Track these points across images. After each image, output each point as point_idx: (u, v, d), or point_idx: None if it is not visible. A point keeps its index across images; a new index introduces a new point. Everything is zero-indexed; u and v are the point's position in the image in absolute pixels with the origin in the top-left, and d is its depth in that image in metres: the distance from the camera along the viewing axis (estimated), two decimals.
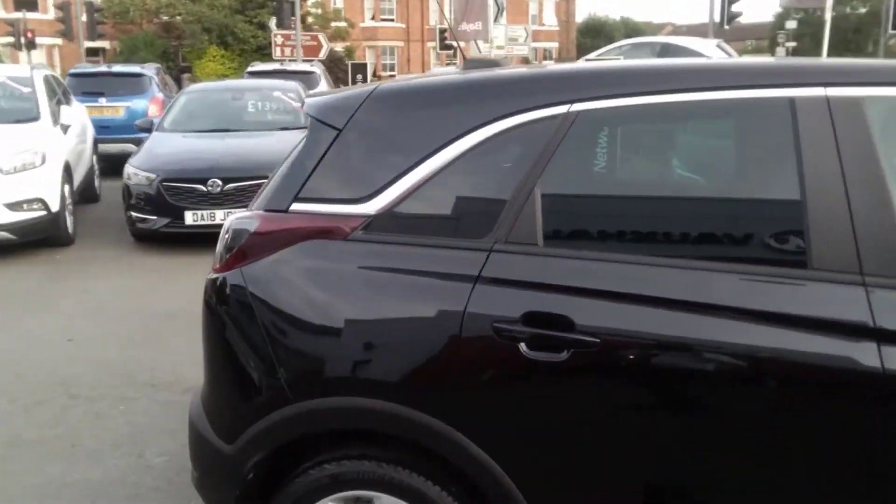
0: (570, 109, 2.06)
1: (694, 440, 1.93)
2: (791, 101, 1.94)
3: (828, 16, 16.43)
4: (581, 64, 2.73)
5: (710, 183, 2.17)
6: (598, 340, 1.91)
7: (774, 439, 1.87)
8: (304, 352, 2.19)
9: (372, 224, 2.13)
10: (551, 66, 2.75)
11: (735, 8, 17.86)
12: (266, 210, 2.28)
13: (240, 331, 2.27)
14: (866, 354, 1.79)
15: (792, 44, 51.38)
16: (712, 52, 14.15)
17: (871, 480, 1.83)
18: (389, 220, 2.13)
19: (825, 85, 1.95)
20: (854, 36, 52.39)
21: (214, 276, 2.33)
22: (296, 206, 2.22)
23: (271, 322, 2.20)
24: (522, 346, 1.96)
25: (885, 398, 1.79)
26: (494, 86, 2.28)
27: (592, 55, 16.20)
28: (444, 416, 2.04)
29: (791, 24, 52.22)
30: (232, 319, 2.29)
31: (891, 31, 21.33)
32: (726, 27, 17.84)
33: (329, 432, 2.20)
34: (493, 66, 2.68)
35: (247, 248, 2.24)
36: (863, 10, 52.11)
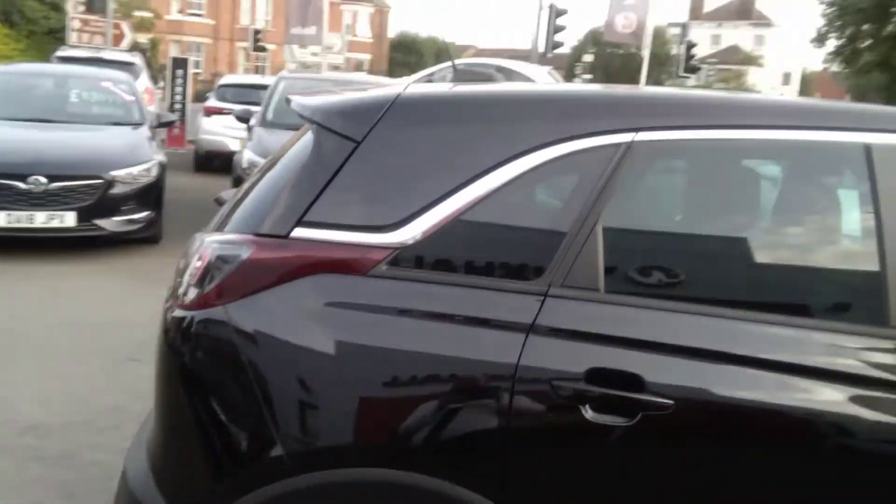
0: (635, 139, 1.83)
1: None
2: (867, 147, 1.84)
3: (645, 53, 17.57)
4: (645, 88, 2.51)
5: (793, 228, 2.02)
6: (672, 402, 1.69)
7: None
8: (311, 412, 1.79)
9: (399, 257, 1.79)
10: (609, 87, 2.51)
11: (557, 38, 18.67)
12: (257, 235, 1.84)
13: (220, 384, 1.83)
14: None
15: (588, 76, 55.08)
16: (544, 78, 14.62)
17: None
18: (421, 254, 1.79)
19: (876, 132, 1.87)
20: (625, 74, 57.03)
21: (183, 314, 1.85)
22: (300, 232, 1.82)
23: (267, 375, 1.78)
24: (587, 409, 1.70)
25: None
26: (550, 104, 2.01)
27: (422, 73, 16.16)
28: (490, 491, 1.73)
29: (588, 58, 55.98)
30: (209, 370, 1.83)
31: (681, 74, 23.29)
32: (549, 55, 18.57)
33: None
34: (488, 79, 2.40)
35: (234, 282, 1.80)
36: (634, 50, 57.15)
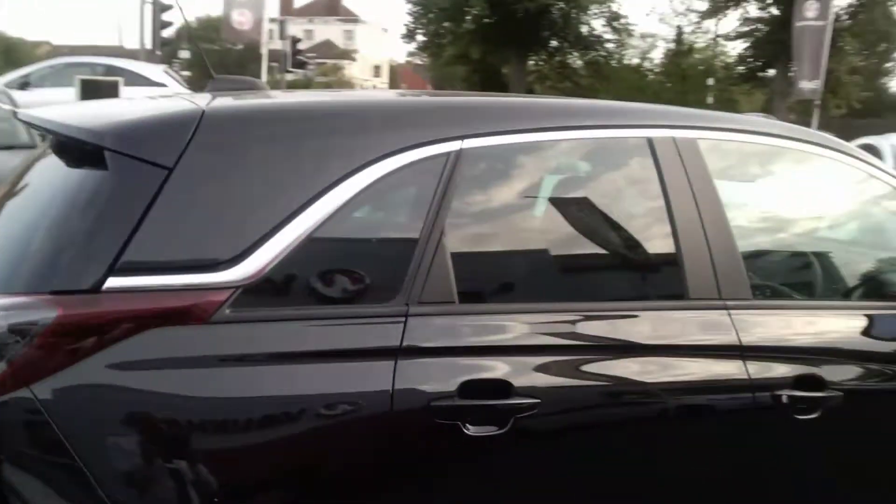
0: (463, 147, 1.83)
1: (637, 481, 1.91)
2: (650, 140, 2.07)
3: (264, 50, 17.49)
4: (465, 95, 2.43)
5: (608, 226, 2.15)
6: (538, 401, 1.75)
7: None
8: (163, 493, 1.50)
9: (242, 297, 1.57)
10: (430, 94, 2.39)
11: (165, 34, 17.74)
12: (56, 293, 1.48)
13: (40, 484, 1.44)
14: (734, 369, 2.01)
15: (186, 73, 53.18)
16: (160, 77, 13.81)
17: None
18: (266, 290, 1.60)
19: (672, 128, 2.12)
20: (238, 70, 56.61)
21: None
22: (115, 282, 1.50)
23: (102, 463, 1.45)
24: (466, 425, 1.68)
25: (751, 401, 2.03)
26: (375, 116, 1.89)
27: (16, 74, 14.23)
28: None
29: (185, 54, 54.06)
30: (23, 470, 1.43)
31: (289, 69, 23.70)
32: (158, 52, 17.56)
33: None
34: (251, 87, 2.21)
35: (38, 356, 1.43)
36: (241, 47, 57.05)
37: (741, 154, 2.28)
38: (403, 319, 1.68)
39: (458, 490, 1.72)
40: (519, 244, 2.01)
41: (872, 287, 2.46)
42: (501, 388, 1.72)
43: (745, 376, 2.01)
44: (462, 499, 1.73)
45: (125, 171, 1.57)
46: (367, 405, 1.62)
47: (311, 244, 1.64)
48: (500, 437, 1.70)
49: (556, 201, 2.05)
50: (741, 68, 31.69)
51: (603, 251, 2.13)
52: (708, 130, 2.18)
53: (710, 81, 31.30)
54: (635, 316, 1.95)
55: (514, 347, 1.78)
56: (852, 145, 2.53)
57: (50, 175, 1.75)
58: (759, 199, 2.37)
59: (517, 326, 1.81)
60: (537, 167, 2.03)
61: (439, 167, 1.78)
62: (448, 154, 1.80)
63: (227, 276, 1.56)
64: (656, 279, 2.10)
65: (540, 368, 1.78)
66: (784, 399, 2.04)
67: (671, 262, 2.01)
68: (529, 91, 31.45)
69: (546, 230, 2.06)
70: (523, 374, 1.75)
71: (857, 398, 2.15)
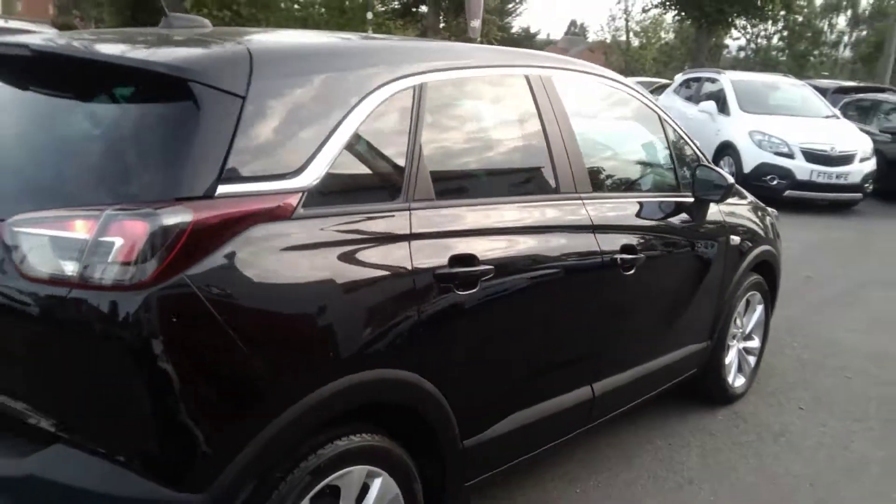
0: (426, 81, 2.41)
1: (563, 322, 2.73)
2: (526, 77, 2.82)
3: None
4: (418, 40, 2.83)
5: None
6: (491, 267, 2.45)
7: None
8: (292, 347, 1.97)
9: (307, 198, 2.04)
10: (397, 39, 2.76)
11: None
12: (178, 199, 1.82)
13: (199, 350, 1.81)
14: (590, 241, 2.89)
15: None
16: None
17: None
18: (322, 192, 2.07)
19: (528, 67, 2.88)
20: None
21: (138, 293, 1.73)
22: (223, 189, 1.88)
23: (245, 327, 1.87)
24: (456, 287, 2.34)
25: (600, 262, 2.92)
26: (376, 54, 2.37)
27: None
28: (412, 367, 2.23)
29: None
30: (184, 339, 1.79)
31: None
32: None
33: (322, 421, 2.03)
34: (200, 25, 2.53)
35: (186, 250, 1.78)
36: None
37: (573, 85, 3.12)
38: (408, 212, 2.25)
39: (456, 333, 2.36)
40: (469, 155, 2.65)
41: (646, 184, 3.51)
42: (470, 260, 2.37)
43: (597, 246, 2.89)
44: (459, 339, 2.37)
45: (214, 101, 1.90)
46: (397, 276, 2.17)
47: (344, 156, 2.12)
48: (475, 294, 2.37)
49: (485, 122, 2.72)
50: (396, 4, 33.54)
51: (513, 162, 2.85)
52: (556, 70, 2.98)
53: (370, 16, 32.61)
54: (534, 205, 2.72)
55: (473, 230, 2.44)
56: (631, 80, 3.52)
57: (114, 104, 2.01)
58: (585, 120, 3.23)
59: (472, 216, 2.46)
60: (469, 96, 2.67)
61: (412, 96, 2.34)
62: (416, 86, 2.36)
63: (297, 182, 2.00)
64: (542, 180, 2.87)
65: (489, 244, 2.47)
66: (618, 260, 2.96)
67: (546, 167, 2.80)
68: None
69: (483, 144, 2.72)
70: (481, 249, 2.42)
71: (651, 258, 3.17)
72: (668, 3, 32.55)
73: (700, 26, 32.22)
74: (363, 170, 2.22)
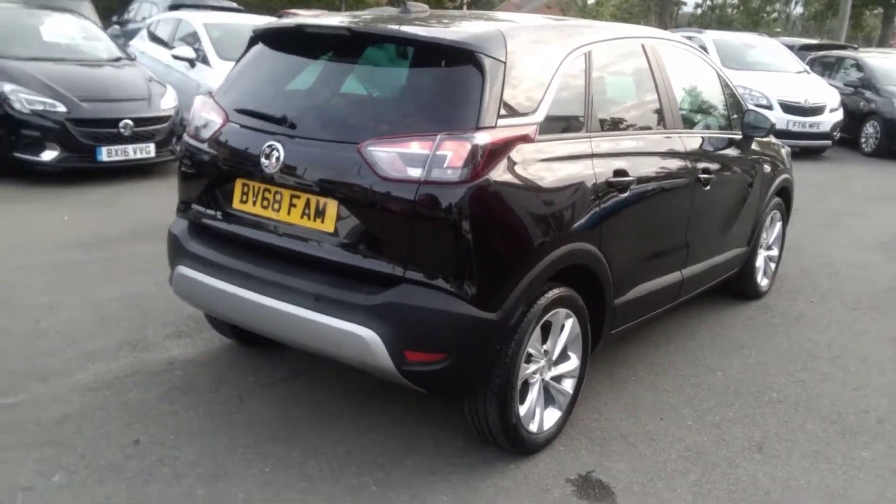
0: (591, 49, 3.47)
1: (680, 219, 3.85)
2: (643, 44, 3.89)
3: None
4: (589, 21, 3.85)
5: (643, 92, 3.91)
6: (636, 178, 3.54)
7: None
8: (544, 221, 3.03)
9: (539, 129, 3.08)
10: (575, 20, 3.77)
11: None
12: (479, 128, 2.86)
13: (496, 222, 2.87)
14: (686, 164, 4.00)
15: None
16: None
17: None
18: (545, 125, 3.12)
19: (641, 37, 3.95)
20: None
21: (461, 187, 2.76)
22: (501, 122, 2.92)
23: (522, 207, 2.93)
24: (618, 190, 3.42)
25: (692, 179, 4.04)
26: (563, 29, 3.42)
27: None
28: (593, 241, 3.32)
29: None
30: (490, 215, 2.83)
31: None
32: None
33: (549, 275, 3.10)
34: (423, 10, 3.54)
35: (488, 160, 2.82)
36: None
37: (665, 49, 4.19)
38: (589, 139, 3.32)
39: (615, 221, 3.42)
40: (615, 100, 3.71)
41: (711, 123, 4.61)
42: (624, 172, 3.46)
43: (688, 167, 4.00)
44: (616, 225, 3.44)
45: (491, 65, 2.92)
46: (587, 181, 3.24)
47: (555, 101, 3.17)
48: (627, 197, 3.46)
49: (624, 78, 3.78)
50: None
51: (641, 105, 3.93)
52: (655, 39, 4.06)
53: None
54: (654, 137, 3.81)
55: (624, 153, 3.52)
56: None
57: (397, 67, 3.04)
58: (674, 75, 4.30)
59: (622, 143, 3.54)
60: (613, 59, 3.72)
61: (583, 59, 3.40)
62: (586, 52, 3.42)
63: (533, 119, 3.05)
64: (657, 119, 3.94)
65: (633, 163, 3.55)
66: (700, 178, 4.08)
67: (658, 110, 3.89)
68: None
69: (623, 92, 3.79)
70: (629, 166, 3.50)
71: (717, 179, 4.29)
72: None
73: None
74: (563, 110, 3.26)
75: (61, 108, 7.16)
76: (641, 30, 4.13)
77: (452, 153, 2.76)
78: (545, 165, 3.07)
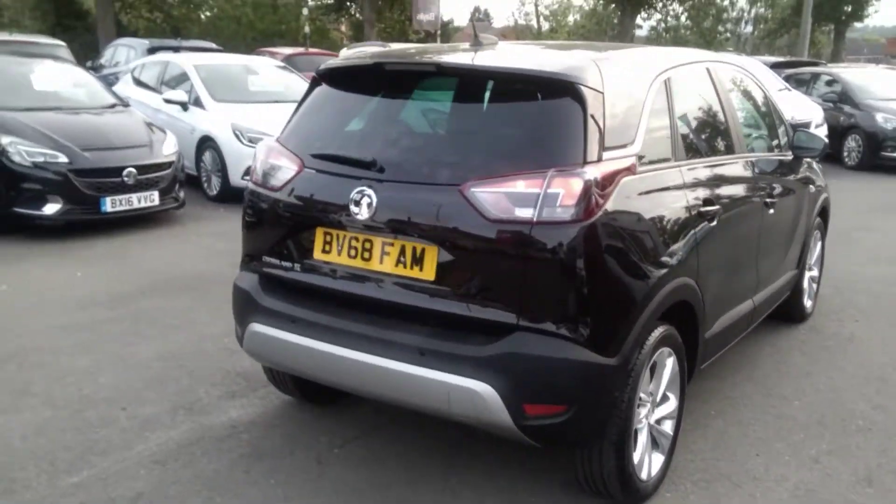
0: (670, 75, 3.36)
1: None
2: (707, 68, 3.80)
3: None
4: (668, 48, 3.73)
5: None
6: (721, 207, 3.43)
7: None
8: (654, 257, 2.90)
9: (638, 160, 2.95)
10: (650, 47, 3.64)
11: None
12: (587, 162, 2.72)
13: (613, 261, 2.71)
14: (755, 187, 3.91)
15: None
16: None
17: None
18: (641, 156, 2.98)
19: (706, 61, 3.86)
20: None
21: (576, 226, 2.60)
22: (605, 155, 2.79)
23: (634, 243, 2.80)
24: (707, 220, 3.30)
25: (761, 203, 3.95)
26: (645, 57, 3.31)
27: None
28: (692, 274, 3.18)
29: None
30: (606, 254, 2.68)
31: None
32: None
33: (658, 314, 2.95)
34: (493, 43, 3.40)
35: (599, 194, 2.68)
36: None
37: (725, 72, 4.11)
38: (679, 168, 3.20)
39: (706, 252, 3.28)
40: (695, 126, 3.60)
41: (766, 144, 4.53)
42: (712, 201, 3.34)
43: (757, 190, 3.91)
44: (707, 256, 3.30)
45: (591, 96, 2.78)
46: (685, 215, 3.12)
47: (648, 131, 3.04)
48: (714, 227, 3.34)
49: (699, 102, 3.68)
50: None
51: (715, 129, 3.82)
52: (715, 62, 3.97)
53: (305, 11, 33.05)
54: (728, 162, 3.71)
55: (708, 181, 3.40)
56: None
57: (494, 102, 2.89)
58: (735, 98, 4.21)
59: (705, 170, 3.42)
60: (688, 84, 3.61)
61: (665, 86, 3.29)
62: (666, 79, 3.31)
63: (633, 150, 2.91)
64: (727, 143, 3.84)
65: (716, 191, 3.44)
66: (766, 201, 3.99)
67: (727, 133, 3.80)
68: (118, 21, 29.91)
69: (699, 117, 3.67)
70: (714, 194, 3.39)
71: (778, 201, 4.20)
72: None
73: (623, 9, 33.88)
74: (654, 139, 3.13)
75: (63, 159, 6.87)
76: (702, 53, 4.05)
77: (565, 191, 2.62)
78: (648, 198, 2.94)
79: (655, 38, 57.83)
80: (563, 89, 2.80)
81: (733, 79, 4.22)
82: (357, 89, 3.24)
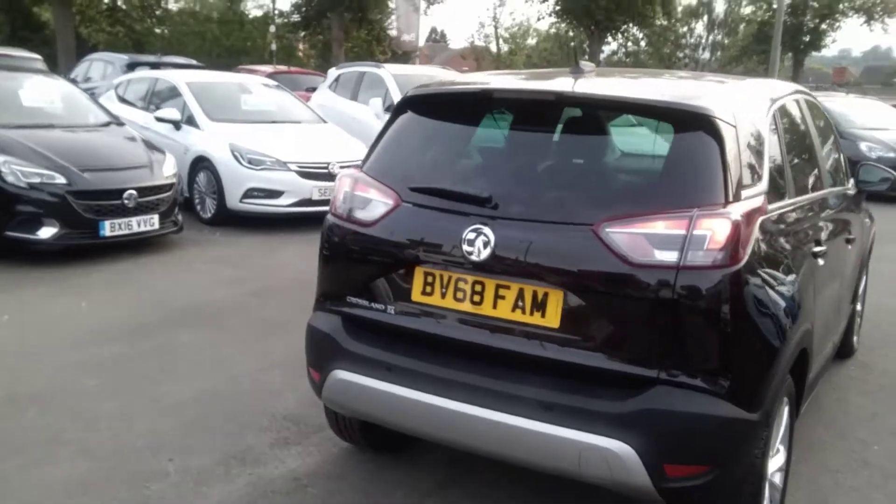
0: (778, 106, 3.18)
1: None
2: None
3: None
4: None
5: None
6: (825, 248, 3.25)
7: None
8: (790, 303, 2.71)
9: (766, 197, 2.75)
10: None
11: None
12: (728, 202, 2.50)
13: (758, 310, 2.50)
14: (842, 224, 3.74)
15: None
16: None
17: None
18: (767, 192, 2.79)
19: (796, 93, 3.70)
20: None
21: (726, 270, 2.38)
22: (743, 193, 2.58)
23: (774, 289, 2.60)
24: (817, 257, 3.11)
25: (845, 241, 3.78)
26: (753, 87, 3.11)
27: None
28: (811, 319, 2.99)
29: None
30: (752, 301, 2.47)
31: None
32: None
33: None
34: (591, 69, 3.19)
35: (745, 235, 2.47)
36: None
37: (808, 106, 3.95)
38: (794, 205, 3.01)
39: (814, 293, 3.10)
40: (796, 162, 3.41)
41: (836, 178, 4.38)
42: (820, 242, 3.16)
43: (842, 225, 3.75)
44: (815, 298, 3.11)
45: (726, 130, 2.57)
46: (806, 257, 2.93)
47: (770, 166, 2.84)
48: (821, 267, 3.16)
49: (797, 137, 3.50)
50: (297, 17, 33.65)
51: (811, 165, 3.65)
52: (801, 94, 3.80)
53: (273, 28, 32.60)
54: (823, 198, 3.53)
55: (811, 218, 3.22)
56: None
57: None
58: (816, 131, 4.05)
59: (809, 209, 3.24)
60: (788, 117, 3.43)
61: (775, 112, 3.10)
62: (776, 108, 3.13)
63: (762, 186, 2.71)
64: (820, 177, 3.67)
65: (819, 233, 3.26)
66: (847, 238, 3.84)
67: (819, 168, 3.63)
68: (77, 35, 29.11)
69: (797, 152, 3.48)
70: (819, 236, 3.21)
71: (854, 235, 4.05)
72: (560, 13, 34.47)
73: (591, 34, 34.19)
74: (774, 175, 2.93)
75: (61, 180, 6.45)
76: (790, 85, 3.89)
77: (711, 233, 2.40)
78: (779, 240, 2.74)
79: (616, 63, 58.67)
80: (695, 122, 2.59)
81: (814, 108, 4.07)
82: (458, 118, 2.98)
